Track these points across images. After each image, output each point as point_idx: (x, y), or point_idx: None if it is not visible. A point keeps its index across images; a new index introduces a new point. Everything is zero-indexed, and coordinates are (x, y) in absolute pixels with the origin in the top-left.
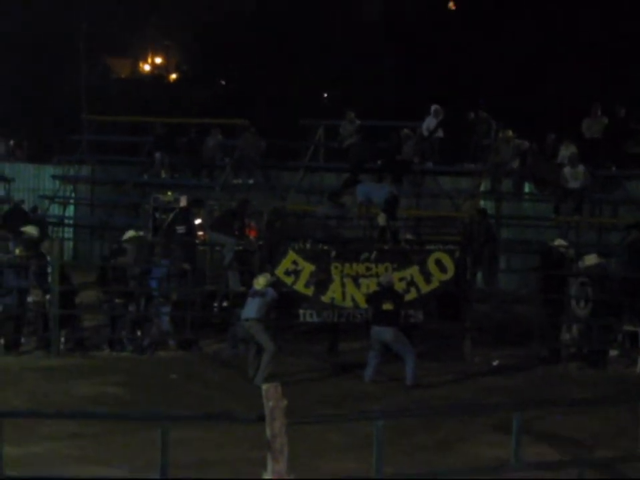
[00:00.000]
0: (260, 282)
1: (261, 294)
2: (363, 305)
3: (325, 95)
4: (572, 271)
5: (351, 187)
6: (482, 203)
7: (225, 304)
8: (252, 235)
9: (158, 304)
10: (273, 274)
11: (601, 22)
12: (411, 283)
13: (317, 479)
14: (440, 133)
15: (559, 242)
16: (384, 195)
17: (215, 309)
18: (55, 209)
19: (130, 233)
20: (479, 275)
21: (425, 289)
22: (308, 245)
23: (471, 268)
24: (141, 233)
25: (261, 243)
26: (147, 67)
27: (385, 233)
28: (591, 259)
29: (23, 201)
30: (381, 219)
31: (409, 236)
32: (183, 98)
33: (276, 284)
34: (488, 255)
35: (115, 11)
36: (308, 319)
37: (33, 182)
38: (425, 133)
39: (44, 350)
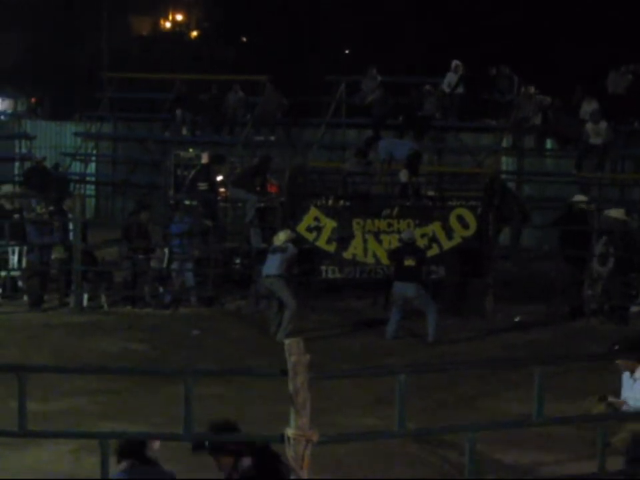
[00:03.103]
0: (280, 238)
1: (281, 250)
2: (384, 261)
3: (347, 52)
4: (594, 225)
5: (373, 144)
6: (503, 159)
7: (245, 261)
8: (273, 192)
9: (181, 260)
10: (294, 230)
11: None
12: (433, 239)
13: (339, 433)
14: (461, 89)
15: (578, 197)
16: (406, 151)
17: (237, 266)
18: (77, 167)
19: None
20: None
21: (447, 245)
22: (330, 202)
23: (493, 224)
24: None
25: (282, 199)
26: (167, 25)
27: (407, 189)
28: (616, 212)
29: (44, 159)
30: (403, 175)
31: (430, 192)
32: (204, 55)
33: (296, 240)
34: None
35: None
36: (330, 275)
37: (55, 139)
38: (446, 89)
39: (67, 306)
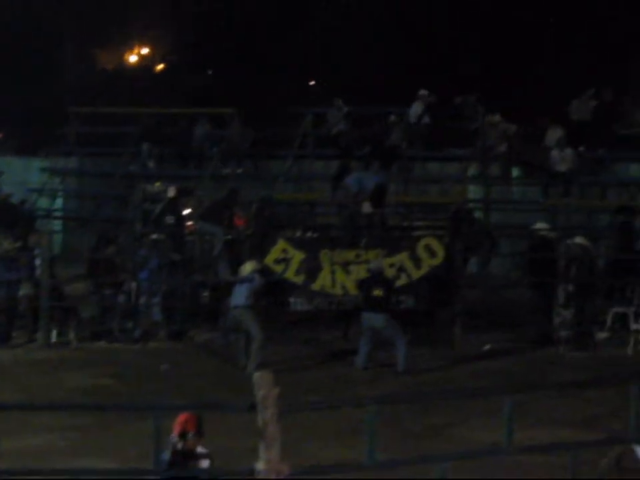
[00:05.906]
0: (246, 268)
1: (248, 280)
2: (352, 291)
3: (312, 83)
4: (556, 253)
5: (342, 176)
6: (470, 187)
7: (213, 294)
8: (240, 225)
9: (148, 294)
10: (262, 263)
11: (589, 6)
12: (401, 269)
13: (310, 465)
14: (427, 119)
15: (539, 225)
16: (374, 183)
17: (205, 299)
18: (43, 202)
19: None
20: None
21: (415, 274)
22: (297, 233)
23: (460, 253)
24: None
25: (249, 232)
26: (133, 58)
27: (372, 220)
28: (581, 239)
29: (10, 195)
30: (366, 207)
31: (398, 222)
32: (170, 88)
33: (263, 271)
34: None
35: (100, 2)
36: (299, 307)
37: (21, 175)
38: (413, 119)
39: (35, 343)
